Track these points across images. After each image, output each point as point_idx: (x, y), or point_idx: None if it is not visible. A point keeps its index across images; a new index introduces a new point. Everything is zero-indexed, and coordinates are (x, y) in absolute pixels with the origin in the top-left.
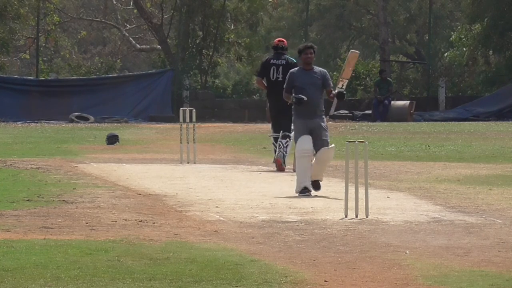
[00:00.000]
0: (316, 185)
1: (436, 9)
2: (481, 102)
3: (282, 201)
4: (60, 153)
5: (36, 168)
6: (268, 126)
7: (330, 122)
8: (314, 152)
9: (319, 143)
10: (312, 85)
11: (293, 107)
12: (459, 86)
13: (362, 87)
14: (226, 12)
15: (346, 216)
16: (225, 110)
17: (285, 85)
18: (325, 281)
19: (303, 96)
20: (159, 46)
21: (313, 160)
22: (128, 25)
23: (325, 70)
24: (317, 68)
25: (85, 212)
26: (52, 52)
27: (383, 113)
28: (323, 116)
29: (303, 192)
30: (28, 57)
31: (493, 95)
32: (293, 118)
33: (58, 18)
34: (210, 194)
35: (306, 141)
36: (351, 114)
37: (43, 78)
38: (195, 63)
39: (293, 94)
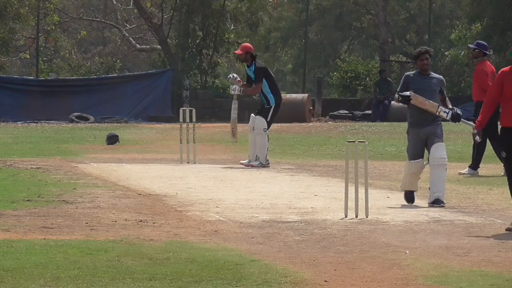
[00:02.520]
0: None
1: (436, 9)
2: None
3: (282, 201)
4: (60, 153)
5: (36, 168)
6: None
7: (330, 122)
8: (427, 162)
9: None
10: (428, 90)
11: (408, 115)
12: (459, 86)
13: (362, 87)
14: (226, 12)
15: (346, 216)
16: (225, 110)
17: (398, 88)
18: (325, 281)
19: (407, 93)
20: (159, 46)
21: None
22: (128, 25)
23: (442, 77)
24: (434, 74)
25: (85, 212)
26: (52, 52)
27: (383, 113)
28: (439, 123)
29: (437, 203)
30: (28, 57)
31: None
32: (407, 127)
33: (58, 18)
34: (210, 194)
35: (414, 166)
36: (351, 114)
37: (43, 78)
38: (195, 63)
39: (398, 93)
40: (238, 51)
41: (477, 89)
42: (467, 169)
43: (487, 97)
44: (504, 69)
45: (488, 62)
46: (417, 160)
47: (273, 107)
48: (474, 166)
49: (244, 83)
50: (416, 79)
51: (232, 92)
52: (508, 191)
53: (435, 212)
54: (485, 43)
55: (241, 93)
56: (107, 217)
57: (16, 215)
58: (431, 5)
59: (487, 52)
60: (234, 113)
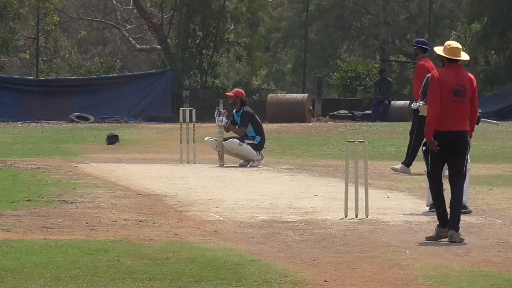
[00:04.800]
0: None
1: (436, 9)
2: (481, 102)
3: (282, 201)
4: (60, 153)
5: (36, 168)
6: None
7: (330, 122)
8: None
9: None
10: None
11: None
12: None
13: (362, 87)
14: (226, 12)
15: (346, 216)
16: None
17: (420, 90)
18: (325, 281)
19: (416, 106)
20: (159, 46)
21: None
22: (128, 25)
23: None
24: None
25: (85, 212)
26: (52, 52)
27: (383, 113)
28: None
29: (464, 208)
30: (28, 57)
31: (493, 95)
32: None
33: (58, 18)
34: (210, 194)
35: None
36: (351, 114)
37: (43, 78)
38: (195, 63)
39: (412, 104)
40: (230, 94)
41: (419, 86)
42: (399, 165)
43: None
44: None
45: (429, 59)
46: None
47: (256, 143)
48: (408, 163)
49: (231, 120)
50: None
51: (219, 124)
52: (509, 191)
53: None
54: (424, 40)
55: (226, 126)
56: (107, 217)
57: (16, 215)
58: (431, 5)
59: (427, 48)
60: (220, 138)
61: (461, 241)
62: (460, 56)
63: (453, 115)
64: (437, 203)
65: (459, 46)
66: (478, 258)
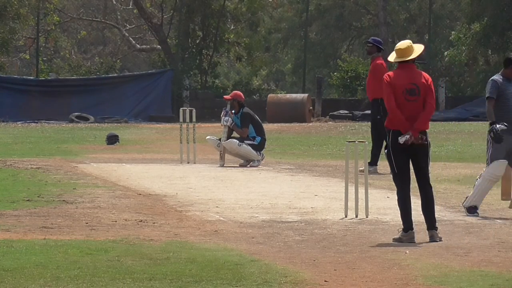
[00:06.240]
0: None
1: (436, 9)
2: (481, 102)
3: (282, 201)
4: (60, 153)
5: (36, 168)
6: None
7: (330, 122)
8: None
9: None
10: None
11: (497, 114)
12: (459, 86)
13: (362, 87)
14: (226, 12)
15: (346, 216)
16: None
17: (488, 94)
18: (325, 281)
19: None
20: (159, 46)
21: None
22: (128, 25)
23: None
24: None
25: (85, 212)
26: (52, 52)
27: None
28: None
29: (471, 211)
30: (28, 57)
31: None
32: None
33: (58, 18)
34: (210, 194)
35: (500, 167)
36: (351, 114)
37: (43, 78)
38: (195, 63)
39: (493, 129)
40: (228, 96)
41: (377, 86)
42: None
43: None
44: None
45: (382, 58)
46: (503, 160)
47: (257, 143)
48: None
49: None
50: (505, 84)
51: (225, 123)
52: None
53: (435, 212)
54: (380, 40)
55: (231, 127)
56: (107, 217)
57: (16, 215)
58: (431, 5)
59: (382, 48)
60: (223, 137)
61: (440, 239)
62: (409, 56)
63: (409, 115)
64: (403, 207)
65: (407, 44)
66: (478, 258)
